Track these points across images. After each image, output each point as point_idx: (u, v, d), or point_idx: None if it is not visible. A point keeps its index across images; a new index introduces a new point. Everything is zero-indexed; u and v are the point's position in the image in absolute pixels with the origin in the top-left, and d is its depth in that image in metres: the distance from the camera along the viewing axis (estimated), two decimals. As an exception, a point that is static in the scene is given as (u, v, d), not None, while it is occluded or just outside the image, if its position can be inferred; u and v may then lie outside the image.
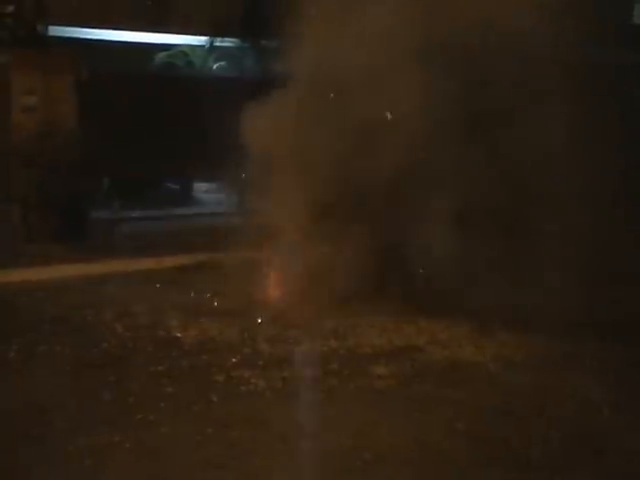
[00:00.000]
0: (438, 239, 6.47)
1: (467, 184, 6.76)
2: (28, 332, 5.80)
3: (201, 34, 14.03)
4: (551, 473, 3.86)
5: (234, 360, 5.22)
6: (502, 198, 6.80)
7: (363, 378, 4.97)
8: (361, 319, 6.21)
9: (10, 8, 10.13)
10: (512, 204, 7.00)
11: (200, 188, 14.21)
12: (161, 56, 14.40)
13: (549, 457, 3.99)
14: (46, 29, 11.16)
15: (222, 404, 4.50)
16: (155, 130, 10.58)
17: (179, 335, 5.79)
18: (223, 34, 13.71)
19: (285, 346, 5.55)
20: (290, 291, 6.78)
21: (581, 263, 7.03)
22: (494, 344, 5.65)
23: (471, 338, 5.78)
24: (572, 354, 5.48)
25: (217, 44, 14.05)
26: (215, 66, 14.35)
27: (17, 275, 7.66)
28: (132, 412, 4.35)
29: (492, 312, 6.27)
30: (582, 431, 4.26)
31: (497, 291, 6.21)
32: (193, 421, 4.25)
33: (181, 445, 3.97)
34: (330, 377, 4.97)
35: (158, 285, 7.42)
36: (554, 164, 7.11)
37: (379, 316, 6.27)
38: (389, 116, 7.02)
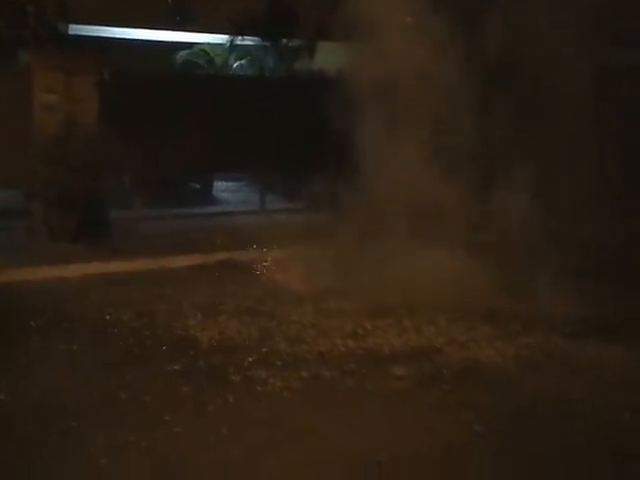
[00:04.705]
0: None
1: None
2: (47, 330, 5.83)
3: (222, 33, 14.04)
4: (570, 477, 3.80)
5: (251, 360, 5.20)
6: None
7: (381, 379, 4.92)
8: (380, 320, 6.16)
9: (32, 7, 10.19)
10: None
11: (220, 187, 14.25)
12: (182, 55, 14.42)
13: (569, 461, 3.92)
14: (67, 28, 11.23)
15: (238, 404, 4.48)
16: (176, 129, 10.58)
17: (197, 334, 5.78)
18: (244, 33, 13.71)
19: (303, 346, 5.52)
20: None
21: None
22: (514, 346, 5.57)
23: (491, 340, 5.70)
24: (593, 357, 5.39)
25: (238, 43, 14.05)
26: (235, 65, 14.35)
27: (38, 273, 7.72)
28: (148, 411, 4.35)
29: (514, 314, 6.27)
30: (603, 436, 4.18)
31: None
32: (208, 421, 4.23)
33: (196, 445, 3.95)
34: (348, 377, 4.93)
35: (177, 284, 7.42)
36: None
37: (397, 317, 6.23)
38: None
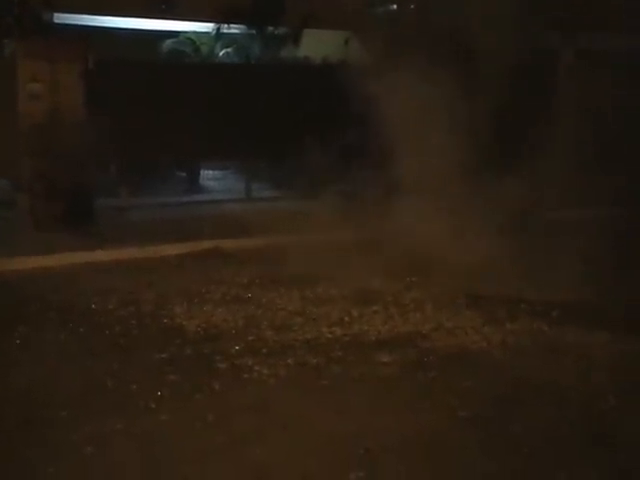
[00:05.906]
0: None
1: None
2: (34, 319, 5.81)
3: (208, 21, 13.98)
4: (556, 462, 3.83)
5: (238, 348, 5.20)
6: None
7: (367, 365, 4.93)
8: (366, 307, 6.18)
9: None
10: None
11: (206, 175, 14.22)
12: (168, 43, 14.36)
13: (554, 446, 3.95)
14: (52, 17, 11.15)
15: (224, 392, 4.48)
16: (162, 117, 10.53)
17: (183, 323, 5.78)
18: (230, 21, 13.67)
19: (289, 333, 5.53)
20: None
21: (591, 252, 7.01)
22: (500, 332, 5.59)
23: (477, 326, 5.72)
24: (582, 344, 5.42)
25: (224, 31, 14.01)
26: (222, 53, 14.30)
27: (24, 263, 7.69)
28: (134, 400, 4.35)
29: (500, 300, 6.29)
30: (588, 420, 4.21)
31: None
32: (195, 409, 4.24)
33: (182, 433, 3.96)
34: (334, 364, 4.94)
35: (164, 273, 7.41)
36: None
37: (384, 303, 6.24)
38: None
